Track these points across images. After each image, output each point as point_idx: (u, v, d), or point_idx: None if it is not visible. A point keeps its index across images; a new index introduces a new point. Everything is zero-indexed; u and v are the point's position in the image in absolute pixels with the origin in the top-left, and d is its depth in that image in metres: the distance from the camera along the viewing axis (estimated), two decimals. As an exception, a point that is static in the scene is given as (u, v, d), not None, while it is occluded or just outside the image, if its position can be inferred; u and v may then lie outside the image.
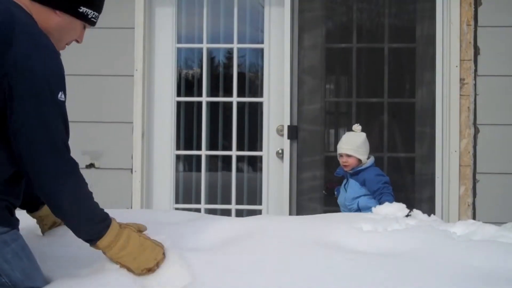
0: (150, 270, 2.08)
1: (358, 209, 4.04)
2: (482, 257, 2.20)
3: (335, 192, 4.30)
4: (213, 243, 2.32)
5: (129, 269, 2.07)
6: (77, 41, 2.21)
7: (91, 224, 2.01)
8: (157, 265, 2.10)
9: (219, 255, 2.20)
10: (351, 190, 4.11)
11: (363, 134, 4.18)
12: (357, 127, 4.20)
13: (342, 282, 2.02)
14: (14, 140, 1.93)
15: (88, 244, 2.05)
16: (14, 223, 2.05)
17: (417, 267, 2.14)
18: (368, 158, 4.15)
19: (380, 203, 3.81)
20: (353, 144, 4.12)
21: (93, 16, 2.18)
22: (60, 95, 1.98)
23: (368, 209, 3.90)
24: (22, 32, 1.95)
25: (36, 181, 1.94)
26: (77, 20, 2.15)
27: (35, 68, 1.92)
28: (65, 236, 2.28)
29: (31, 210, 2.40)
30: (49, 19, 2.09)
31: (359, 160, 4.12)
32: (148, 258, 2.08)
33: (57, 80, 1.98)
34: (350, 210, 4.06)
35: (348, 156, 4.11)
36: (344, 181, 4.20)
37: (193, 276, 2.05)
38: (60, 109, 1.98)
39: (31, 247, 2.07)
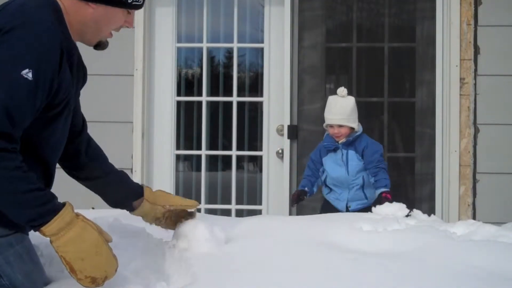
0: (94, 282, 1.80)
1: (363, 184, 3.80)
2: (482, 257, 2.20)
3: (307, 193, 3.85)
4: (213, 243, 2.32)
5: (71, 270, 1.80)
6: (128, 27, 2.11)
7: (26, 208, 1.78)
8: (105, 279, 1.83)
9: (219, 255, 2.20)
10: (353, 163, 3.79)
11: (352, 99, 3.83)
12: (342, 91, 3.81)
13: (342, 282, 2.02)
14: None
15: None
16: (22, 226, 1.98)
17: (417, 267, 2.14)
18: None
19: (376, 180, 3.67)
20: (344, 112, 3.76)
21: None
22: (26, 72, 1.77)
23: (371, 186, 3.77)
24: (8, 10, 1.88)
25: None
26: (115, 8, 2.03)
27: (5, 43, 1.79)
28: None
29: (130, 210, 2.28)
30: (84, 12, 2.01)
31: (351, 128, 3.79)
32: (98, 265, 1.81)
33: (28, 56, 1.79)
34: (352, 185, 3.80)
35: (340, 126, 3.76)
36: (333, 154, 3.82)
37: (193, 276, 2.05)
38: (13, 83, 1.76)
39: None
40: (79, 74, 2.15)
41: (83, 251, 1.80)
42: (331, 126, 3.79)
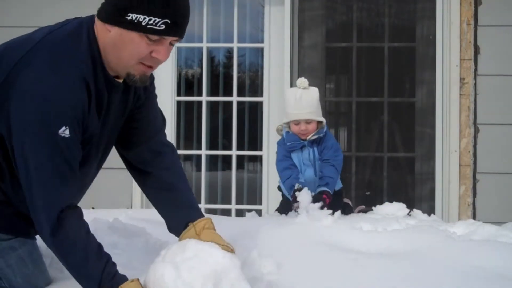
0: None
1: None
2: (482, 257, 2.21)
3: (302, 188, 3.15)
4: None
5: None
6: (157, 58, 1.89)
7: (80, 280, 1.84)
8: None
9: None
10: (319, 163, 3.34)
11: (316, 90, 3.38)
12: (303, 81, 3.34)
13: (342, 282, 2.03)
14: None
15: None
16: (23, 230, 1.99)
17: (417, 266, 2.14)
18: None
19: (320, 177, 3.25)
20: (312, 105, 3.30)
21: (153, 23, 1.82)
22: (63, 130, 1.78)
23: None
24: (41, 45, 1.86)
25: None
26: (131, 31, 1.84)
27: (29, 105, 1.77)
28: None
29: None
30: (105, 35, 1.89)
31: (318, 123, 3.34)
32: None
33: (59, 113, 1.78)
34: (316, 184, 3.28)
35: (308, 122, 3.29)
36: (299, 153, 3.34)
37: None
38: (57, 148, 1.78)
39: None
40: (129, 97, 2.09)
41: None
42: (297, 123, 3.30)
